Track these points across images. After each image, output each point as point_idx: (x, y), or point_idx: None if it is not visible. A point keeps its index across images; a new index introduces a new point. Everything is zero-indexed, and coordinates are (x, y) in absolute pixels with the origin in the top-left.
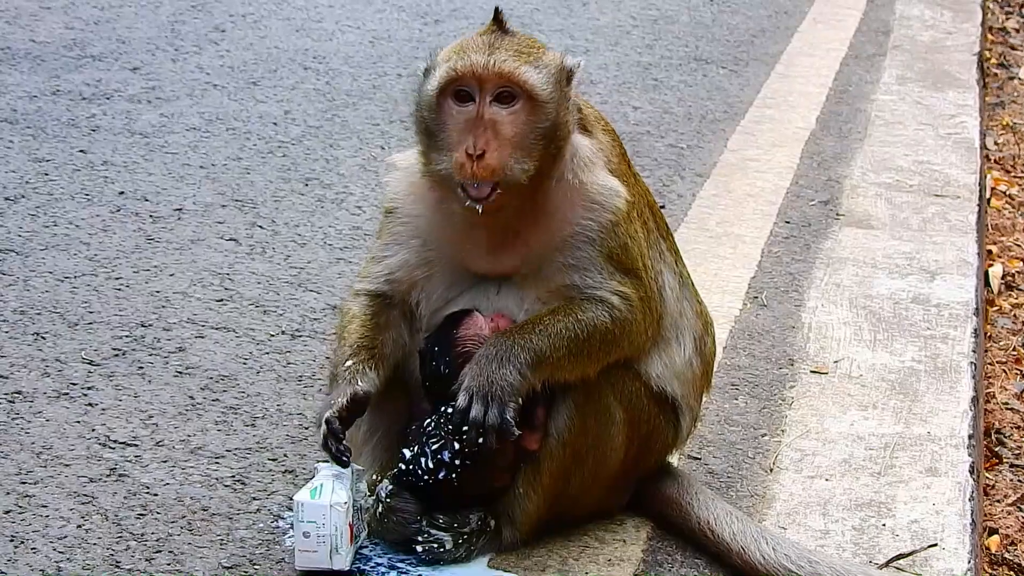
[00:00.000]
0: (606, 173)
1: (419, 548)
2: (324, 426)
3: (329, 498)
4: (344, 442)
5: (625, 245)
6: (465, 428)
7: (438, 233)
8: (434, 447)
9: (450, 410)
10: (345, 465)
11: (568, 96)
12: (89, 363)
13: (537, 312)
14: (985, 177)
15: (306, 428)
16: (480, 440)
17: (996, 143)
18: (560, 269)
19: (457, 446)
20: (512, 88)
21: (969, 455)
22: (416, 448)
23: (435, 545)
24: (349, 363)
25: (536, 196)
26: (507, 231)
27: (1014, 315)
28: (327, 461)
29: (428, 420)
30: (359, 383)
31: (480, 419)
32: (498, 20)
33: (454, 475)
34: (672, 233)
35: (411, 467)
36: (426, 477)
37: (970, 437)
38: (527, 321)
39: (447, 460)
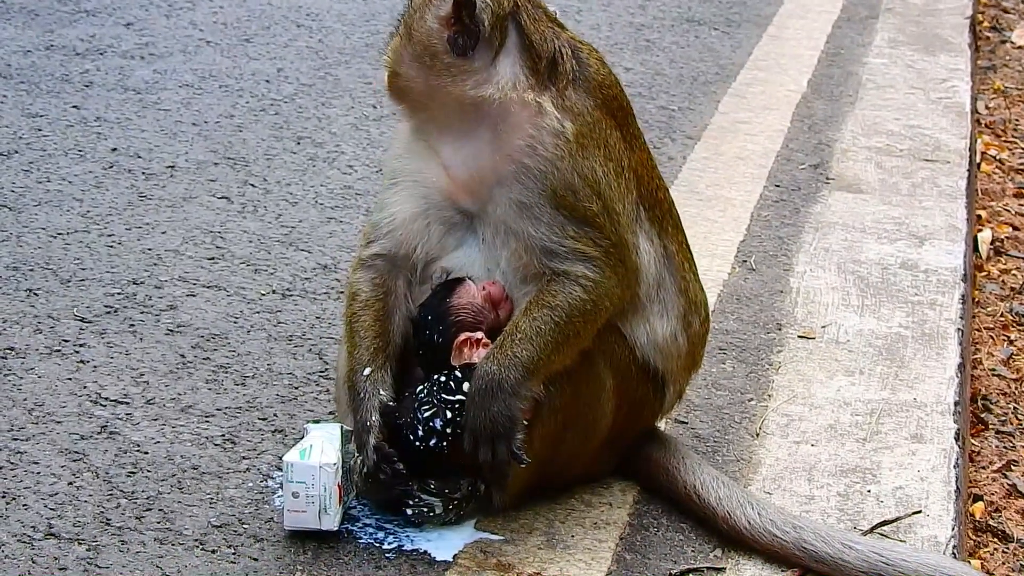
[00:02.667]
0: (548, 103)
1: (409, 512)
2: (374, 455)
3: (318, 459)
4: (397, 464)
5: (571, 184)
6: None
7: (418, 162)
8: (426, 415)
9: (442, 379)
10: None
11: (433, 18)
12: (81, 320)
13: (512, 319)
14: (975, 142)
15: (296, 388)
16: (496, 476)
17: (987, 107)
18: (516, 206)
19: (449, 415)
20: None
21: (955, 422)
22: (409, 415)
23: (425, 509)
24: (368, 371)
25: (466, 115)
26: (460, 148)
27: (1002, 281)
28: (318, 422)
29: (421, 387)
30: (381, 393)
31: (490, 459)
32: None
33: (445, 443)
34: (667, 205)
35: (404, 433)
36: (418, 444)
37: (956, 404)
38: (505, 334)
39: (438, 428)
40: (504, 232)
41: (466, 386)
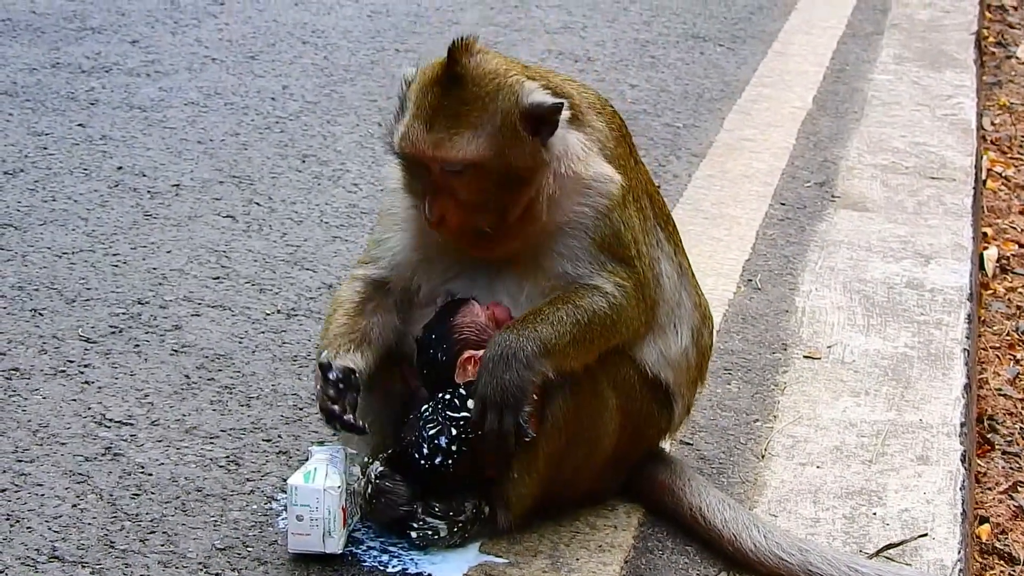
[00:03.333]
0: (600, 160)
1: (413, 534)
2: (324, 399)
3: (323, 482)
4: (348, 415)
5: (618, 232)
6: (483, 434)
7: None
8: (431, 432)
9: (447, 396)
10: (363, 433)
11: (521, 135)
12: (86, 340)
13: (535, 304)
14: (981, 158)
15: (300, 409)
16: (499, 445)
17: (993, 123)
18: (554, 258)
19: (454, 432)
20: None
21: (961, 443)
22: (414, 434)
23: (430, 532)
24: (324, 353)
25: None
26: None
27: (1008, 299)
28: (322, 444)
29: (425, 407)
30: (339, 361)
31: (496, 427)
32: (451, 62)
33: (450, 461)
34: (673, 221)
35: (409, 452)
36: (423, 463)
37: (962, 425)
38: (528, 313)
39: (443, 446)
40: (535, 271)
41: (470, 403)
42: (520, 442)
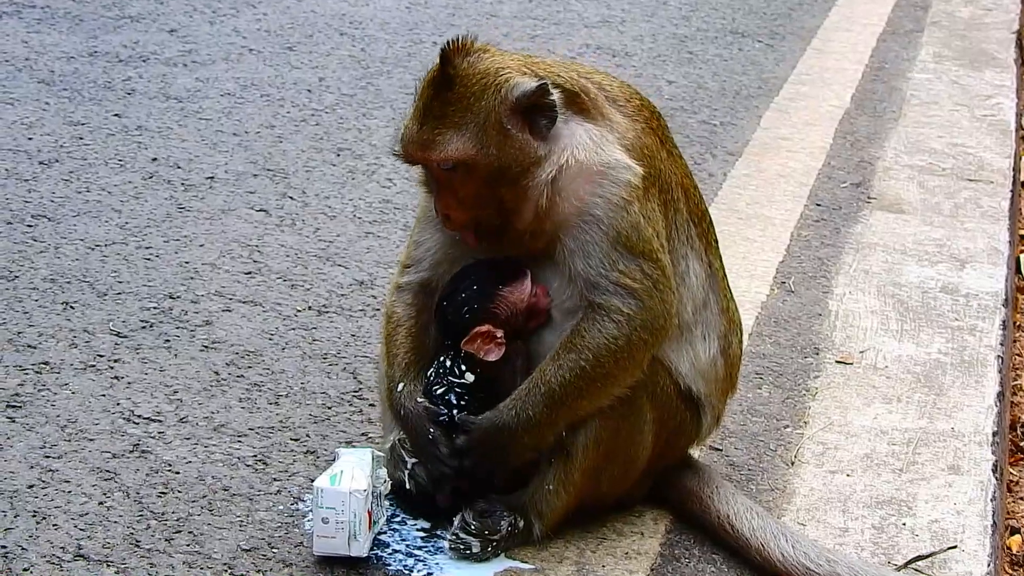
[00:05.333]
0: (616, 149)
1: (448, 548)
2: (453, 461)
3: (349, 485)
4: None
5: (637, 225)
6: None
7: None
8: (438, 392)
9: (448, 362)
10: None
11: (511, 132)
12: (116, 335)
13: (540, 366)
14: (1020, 160)
15: (329, 408)
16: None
17: None
18: (567, 253)
19: (459, 391)
20: (441, 164)
21: (993, 453)
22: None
23: (462, 547)
24: (400, 386)
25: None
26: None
27: None
28: (349, 445)
29: (431, 370)
30: (419, 401)
31: (471, 472)
32: (443, 63)
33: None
34: (709, 218)
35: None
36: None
37: (994, 434)
38: (531, 381)
39: (455, 402)
40: (551, 266)
41: (468, 376)
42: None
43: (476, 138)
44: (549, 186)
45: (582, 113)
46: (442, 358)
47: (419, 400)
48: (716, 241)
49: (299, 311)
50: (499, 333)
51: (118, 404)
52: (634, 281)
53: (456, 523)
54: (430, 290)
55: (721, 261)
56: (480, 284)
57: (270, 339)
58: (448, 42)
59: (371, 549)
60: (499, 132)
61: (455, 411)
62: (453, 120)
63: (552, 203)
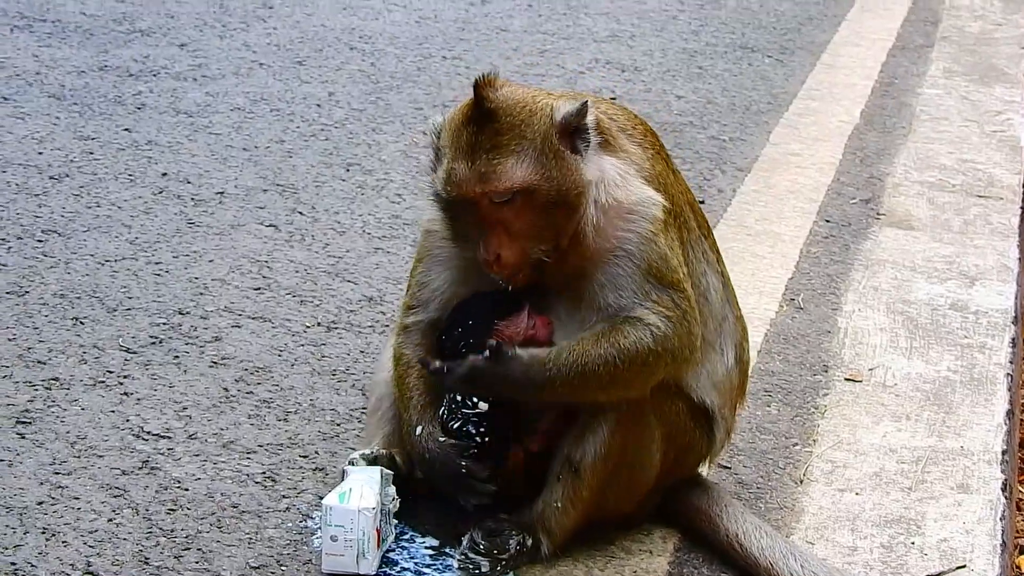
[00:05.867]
0: (640, 183)
1: (457, 567)
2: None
3: (357, 503)
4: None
5: (665, 256)
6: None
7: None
8: (455, 426)
9: (458, 397)
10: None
11: (567, 150)
12: (126, 350)
13: (577, 337)
14: None
15: (338, 424)
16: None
17: None
18: (597, 288)
19: (475, 421)
20: (502, 196)
21: (1002, 472)
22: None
23: (471, 567)
24: (419, 429)
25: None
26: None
27: None
28: (355, 463)
29: (442, 409)
30: (441, 439)
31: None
32: (479, 99)
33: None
34: (712, 230)
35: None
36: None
37: (1003, 453)
38: (563, 346)
39: (473, 432)
40: (579, 300)
41: (482, 405)
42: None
43: (536, 162)
44: (592, 222)
45: (603, 145)
46: (452, 393)
47: (441, 439)
48: (720, 251)
49: (308, 327)
50: None
51: (127, 420)
52: (667, 308)
53: (464, 543)
54: (438, 327)
55: (726, 269)
56: (476, 319)
57: (279, 355)
58: (477, 78)
59: (380, 567)
60: (555, 155)
61: (477, 440)
62: (509, 148)
63: (593, 238)
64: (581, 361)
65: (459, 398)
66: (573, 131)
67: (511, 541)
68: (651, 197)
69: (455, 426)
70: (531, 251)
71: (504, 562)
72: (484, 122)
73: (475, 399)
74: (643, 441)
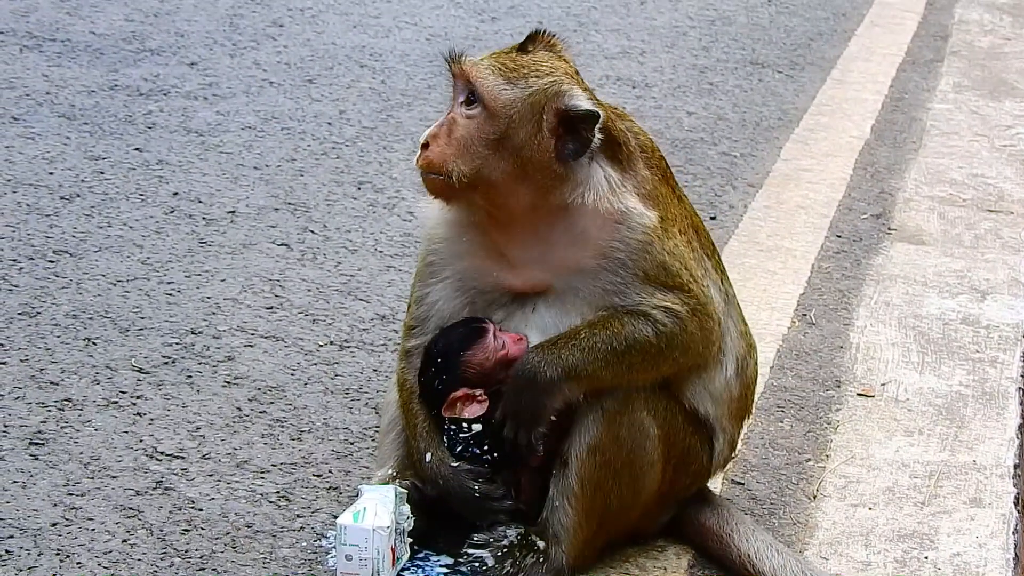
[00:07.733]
0: (632, 197)
1: (464, 569)
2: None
3: (372, 522)
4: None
5: (663, 263)
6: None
7: (468, 255)
8: (459, 450)
9: (451, 429)
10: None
11: (542, 126)
12: (139, 371)
13: (574, 326)
14: None
15: (351, 443)
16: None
17: None
18: (600, 293)
19: (479, 441)
20: (472, 91)
21: (1015, 486)
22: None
23: (476, 564)
24: (429, 456)
25: (542, 216)
26: (532, 246)
27: None
28: (370, 481)
29: (445, 440)
30: (452, 464)
31: (511, 438)
32: (525, 41)
33: (491, 455)
34: (717, 252)
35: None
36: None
37: (1016, 467)
38: (563, 335)
39: (479, 453)
40: (577, 306)
41: (475, 427)
42: (531, 458)
43: (512, 98)
44: (579, 229)
45: (612, 160)
46: (445, 427)
47: (452, 464)
48: (725, 270)
49: (321, 346)
50: (477, 392)
51: (141, 441)
52: (675, 304)
53: (464, 546)
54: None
55: (732, 287)
56: (443, 355)
57: (292, 374)
58: (537, 29)
59: None
60: (532, 115)
61: (486, 459)
62: (509, 72)
63: (580, 245)
64: (584, 345)
65: (451, 430)
66: (569, 124)
67: (508, 531)
68: (640, 208)
69: (459, 449)
70: (454, 162)
71: (506, 551)
72: (519, 52)
73: (463, 424)
74: (637, 439)
